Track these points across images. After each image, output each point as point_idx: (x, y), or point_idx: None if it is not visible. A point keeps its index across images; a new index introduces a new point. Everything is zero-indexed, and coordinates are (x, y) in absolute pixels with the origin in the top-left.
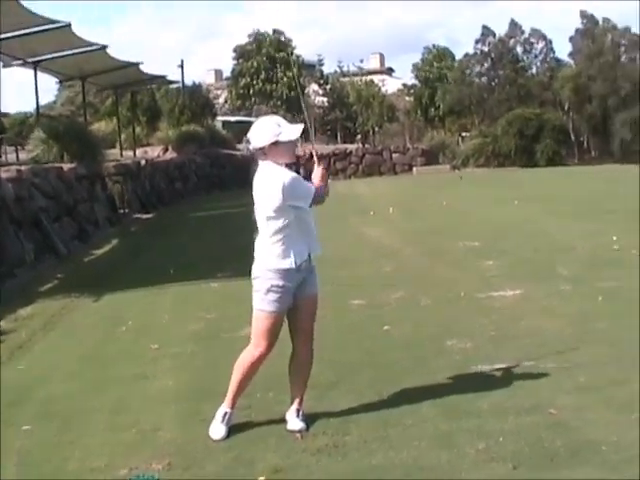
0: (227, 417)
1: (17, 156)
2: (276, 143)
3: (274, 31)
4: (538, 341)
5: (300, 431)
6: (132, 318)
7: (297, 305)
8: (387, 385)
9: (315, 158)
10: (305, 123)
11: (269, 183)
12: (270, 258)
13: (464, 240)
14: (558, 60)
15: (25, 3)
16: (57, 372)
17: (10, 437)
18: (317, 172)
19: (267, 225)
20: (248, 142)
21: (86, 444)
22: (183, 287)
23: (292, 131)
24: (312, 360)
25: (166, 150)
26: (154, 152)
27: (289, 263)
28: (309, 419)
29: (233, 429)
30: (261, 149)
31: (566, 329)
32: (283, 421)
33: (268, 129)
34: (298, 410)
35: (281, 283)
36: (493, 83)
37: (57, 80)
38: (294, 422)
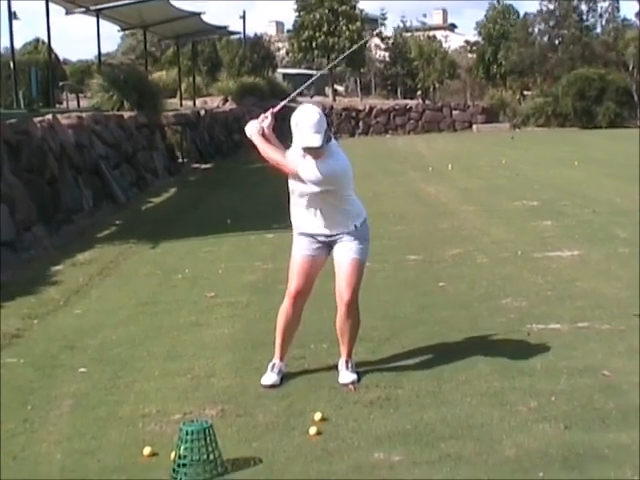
0: (276, 367)
1: (78, 103)
2: None
3: None
4: (593, 303)
5: (353, 382)
6: (188, 266)
7: (335, 267)
8: (441, 341)
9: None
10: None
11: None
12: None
13: (522, 199)
14: (624, 20)
15: None
16: (113, 318)
17: (66, 379)
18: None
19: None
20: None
21: (140, 389)
22: (240, 237)
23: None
24: (355, 322)
25: (226, 101)
26: (214, 103)
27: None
28: (362, 372)
29: (287, 378)
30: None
31: (622, 292)
32: (336, 372)
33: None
34: (347, 362)
35: (308, 231)
36: (557, 42)
37: (119, 28)
38: (344, 374)
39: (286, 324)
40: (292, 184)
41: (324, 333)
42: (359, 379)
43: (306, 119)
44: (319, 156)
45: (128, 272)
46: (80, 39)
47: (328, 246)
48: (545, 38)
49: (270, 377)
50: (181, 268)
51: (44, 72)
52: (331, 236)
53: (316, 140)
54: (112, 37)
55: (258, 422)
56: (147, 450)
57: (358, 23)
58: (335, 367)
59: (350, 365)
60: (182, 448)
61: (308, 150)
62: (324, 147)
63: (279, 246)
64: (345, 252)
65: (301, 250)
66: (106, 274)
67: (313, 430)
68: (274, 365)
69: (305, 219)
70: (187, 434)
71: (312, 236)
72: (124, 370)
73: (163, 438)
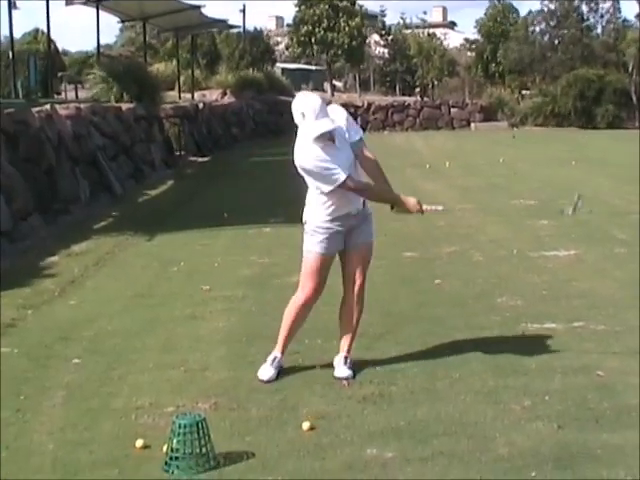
0: (276, 361)
1: (76, 94)
2: None
3: None
4: (589, 303)
5: (347, 378)
6: (184, 259)
7: (349, 252)
8: (436, 338)
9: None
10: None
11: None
12: (322, 215)
13: (520, 198)
14: (624, 21)
15: None
16: (108, 309)
17: (60, 370)
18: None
19: (316, 191)
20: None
21: (134, 381)
22: (236, 231)
23: (314, 129)
24: (362, 309)
25: (224, 94)
26: (212, 96)
27: (339, 212)
28: (357, 367)
29: (281, 373)
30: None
31: (618, 292)
32: (330, 368)
33: (298, 111)
34: (346, 358)
35: (331, 225)
36: (557, 42)
37: (118, 20)
38: (341, 369)
39: (298, 320)
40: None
41: (318, 329)
42: (354, 375)
43: (311, 106)
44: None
45: (124, 264)
46: (79, 30)
47: (344, 234)
48: (545, 38)
49: (269, 371)
50: (177, 261)
51: (43, 62)
52: (358, 214)
53: (329, 123)
54: (111, 28)
55: (251, 416)
56: (140, 442)
57: (358, 19)
58: (330, 363)
59: (348, 361)
60: (175, 441)
61: (321, 137)
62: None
63: (276, 240)
64: (366, 235)
65: (320, 249)
66: (102, 265)
67: (306, 425)
68: (275, 359)
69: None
70: (180, 427)
71: (345, 217)
72: (118, 362)
73: (156, 431)
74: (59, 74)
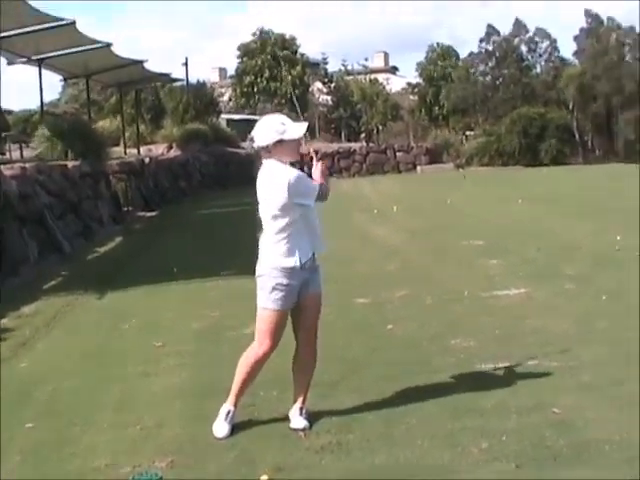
0: (230, 415)
1: (21, 154)
2: (280, 142)
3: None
4: (542, 340)
5: (303, 429)
6: (136, 316)
7: (301, 304)
8: (390, 384)
9: (314, 155)
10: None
11: (274, 181)
12: (275, 256)
13: (468, 239)
14: (562, 59)
15: (30, 2)
16: (60, 370)
17: (13, 435)
18: (317, 168)
19: (272, 223)
20: (252, 140)
21: (89, 442)
22: (187, 285)
23: (296, 129)
24: (316, 359)
25: (170, 148)
26: (158, 150)
27: (294, 261)
28: (312, 417)
29: (236, 427)
30: (265, 147)
31: (570, 328)
32: (286, 419)
33: (272, 127)
34: (301, 409)
35: (286, 281)
36: (497, 82)
37: (61, 78)
38: (297, 420)
39: (253, 374)
40: (301, 209)
41: (273, 380)
42: (310, 425)
43: (280, 117)
44: None
45: (75, 323)
46: (22, 89)
47: (302, 284)
48: (487, 78)
49: (223, 428)
50: (128, 318)
51: None
52: (309, 267)
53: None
54: (54, 86)
55: (209, 472)
56: None
57: (299, 68)
58: (286, 414)
59: (304, 411)
60: None
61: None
62: None
63: (226, 292)
64: (315, 286)
65: (277, 306)
66: (52, 326)
67: (264, 478)
68: (229, 413)
69: (306, 241)
70: None
71: (303, 266)
72: (72, 423)
73: None
74: (3, 134)
